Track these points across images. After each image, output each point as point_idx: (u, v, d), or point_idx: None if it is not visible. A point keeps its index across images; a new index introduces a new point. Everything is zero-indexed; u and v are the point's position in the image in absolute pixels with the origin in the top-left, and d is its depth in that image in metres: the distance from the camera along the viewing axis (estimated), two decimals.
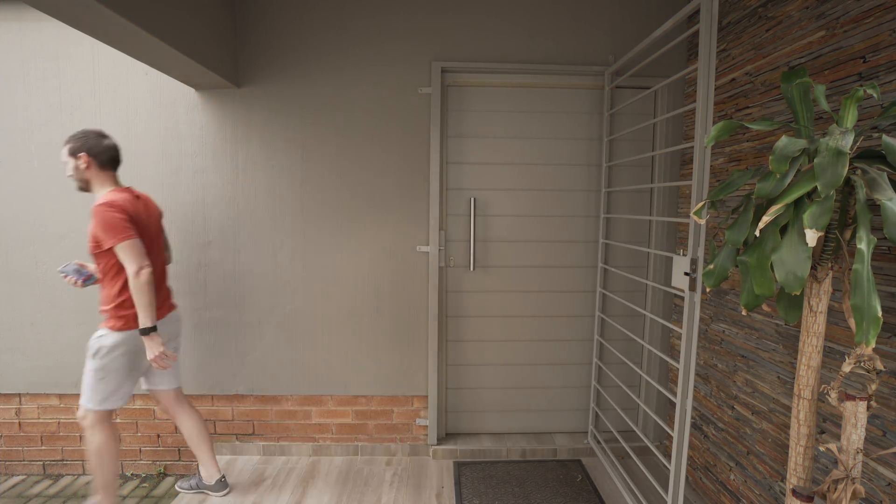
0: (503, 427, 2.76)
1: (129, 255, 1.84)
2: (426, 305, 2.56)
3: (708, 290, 1.49)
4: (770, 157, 1.14)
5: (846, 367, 1.16)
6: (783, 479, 1.75)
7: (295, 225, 2.50)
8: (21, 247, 2.47)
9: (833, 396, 1.21)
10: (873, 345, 1.04)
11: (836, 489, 1.17)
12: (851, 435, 1.15)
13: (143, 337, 1.89)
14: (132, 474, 2.63)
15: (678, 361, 1.80)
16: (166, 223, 2.48)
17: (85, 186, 1.96)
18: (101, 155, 1.93)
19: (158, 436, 2.61)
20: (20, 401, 2.58)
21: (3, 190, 2.44)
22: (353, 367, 2.59)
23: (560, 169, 2.59)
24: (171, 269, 2.49)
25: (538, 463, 2.55)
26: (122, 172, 2.44)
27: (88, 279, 2.03)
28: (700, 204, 1.40)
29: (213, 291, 2.52)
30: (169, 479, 2.59)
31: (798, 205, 1.16)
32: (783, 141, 1.16)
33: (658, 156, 2.52)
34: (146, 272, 1.85)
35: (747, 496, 1.94)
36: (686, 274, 1.73)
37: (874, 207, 1.21)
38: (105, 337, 1.91)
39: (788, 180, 1.18)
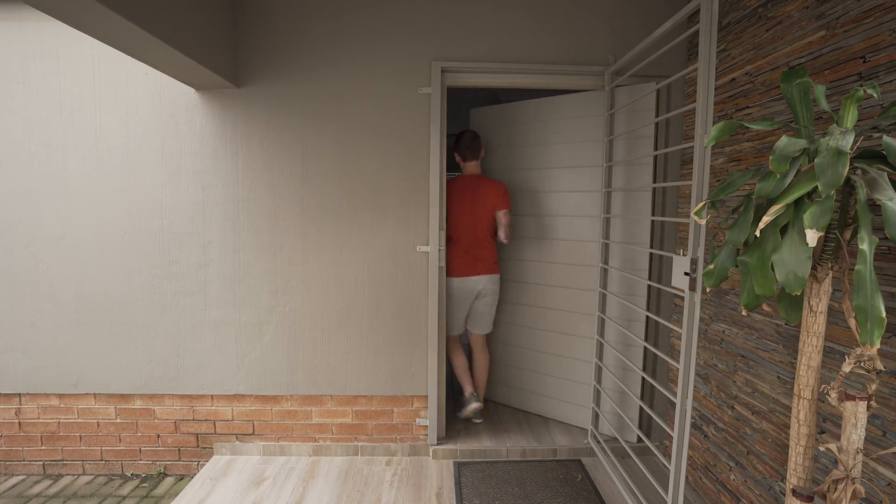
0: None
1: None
2: (426, 305, 2.56)
3: (708, 290, 1.49)
4: (770, 157, 1.14)
5: (846, 367, 1.16)
6: (783, 479, 1.75)
7: (295, 225, 2.50)
8: (21, 247, 2.47)
9: (833, 396, 1.20)
10: (878, 345, 1.04)
11: (836, 489, 1.17)
12: (851, 435, 1.15)
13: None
14: (132, 474, 2.63)
15: (678, 361, 1.80)
16: (166, 223, 2.49)
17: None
18: None
19: (158, 436, 2.61)
20: (20, 401, 2.58)
21: (3, 190, 2.44)
22: (353, 367, 2.59)
23: (560, 169, 2.58)
24: (172, 269, 2.51)
25: (538, 463, 2.55)
26: (122, 172, 2.46)
27: None
28: (700, 204, 1.40)
29: (213, 291, 2.52)
30: (169, 479, 2.59)
31: (798, 205, 1.16)
32: (783, 141, 1.16)
33: (658, 156, 2.52)
34: None
35: (747, 496, 1.94)
36: (686, 274, 1.72)
37: (875, 207, 1.21)
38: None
39: (788, 180, 1.18)
